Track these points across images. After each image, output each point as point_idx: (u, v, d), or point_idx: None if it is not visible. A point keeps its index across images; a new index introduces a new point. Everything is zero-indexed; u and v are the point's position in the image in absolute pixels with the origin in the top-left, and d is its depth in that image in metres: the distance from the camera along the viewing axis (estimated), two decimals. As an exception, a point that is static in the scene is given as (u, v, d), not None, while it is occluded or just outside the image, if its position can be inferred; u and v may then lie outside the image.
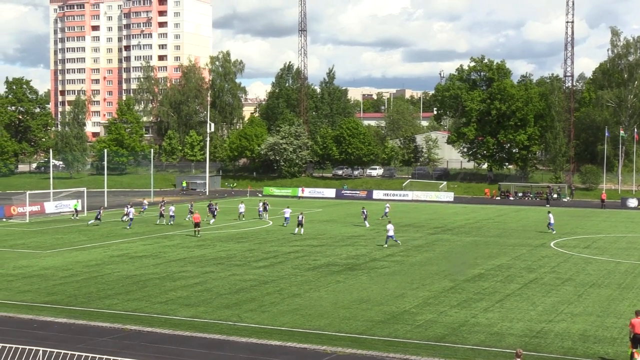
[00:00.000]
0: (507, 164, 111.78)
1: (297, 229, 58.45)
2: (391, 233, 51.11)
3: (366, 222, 64.21)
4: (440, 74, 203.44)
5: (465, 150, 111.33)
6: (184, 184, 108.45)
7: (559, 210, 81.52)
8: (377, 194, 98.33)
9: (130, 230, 59.75)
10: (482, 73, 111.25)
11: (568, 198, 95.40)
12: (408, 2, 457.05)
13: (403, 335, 27.38)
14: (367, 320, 29.43)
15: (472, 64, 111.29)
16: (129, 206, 65.75)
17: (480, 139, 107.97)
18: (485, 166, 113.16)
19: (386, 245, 50.69)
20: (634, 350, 23.83)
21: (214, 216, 66.39)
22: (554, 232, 58.92)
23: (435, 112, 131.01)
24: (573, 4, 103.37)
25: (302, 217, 58.87)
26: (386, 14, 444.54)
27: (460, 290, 35.59)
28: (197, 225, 56.49)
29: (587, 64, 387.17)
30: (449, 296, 34.14)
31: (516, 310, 31.21)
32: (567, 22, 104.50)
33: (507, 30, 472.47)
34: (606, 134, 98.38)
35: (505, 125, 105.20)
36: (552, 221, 59.56)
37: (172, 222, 63.94)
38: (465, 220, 70.26)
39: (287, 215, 63.86)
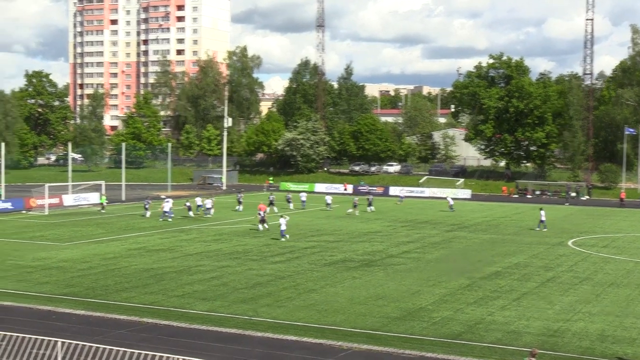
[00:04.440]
0: (524, 161, 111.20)
1: (260, 226, 56.68)
2: (283, 227, 51.32)
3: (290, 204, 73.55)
4: (457, 70, 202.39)
5: (482, 147, 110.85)
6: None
7: (577, 208, 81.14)
8: (394, 190, 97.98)
9: (147, 224, 59.86)
10: (500, 70, 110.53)
11: (586, 197, 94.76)
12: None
13: (419, 332, 27.31)
14: (383, 317, 29.38)
15: (491, 61, 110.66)
16: (201, 200, 66.78)
17: (498, 136, 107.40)
18: (502, 164, 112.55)
19: (284, 239, 50.85)
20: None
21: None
22: (545, 229, 58.44)
23: (452, 109, 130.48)
24: (593, 1, 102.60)
25: (264, 214, 57.68)
26: (407, 10, 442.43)
27: (476, 287, 35.46)
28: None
29: (608, 61, 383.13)
30: (466, 294, 34.03)
31: (533, 309, 31.05)
32: (587, 19, 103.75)
33: (528, 28, 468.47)
34: (629, 131, 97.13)
35: (523, 123, 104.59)
36: (543, 218, 58.98)
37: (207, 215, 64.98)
38: (482, 217, 69.99)
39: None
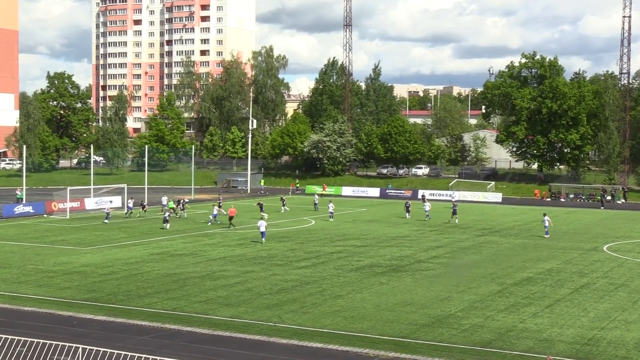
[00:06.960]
0: (558, 164, 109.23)
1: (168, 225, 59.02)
2: (263, 229, 51.18)
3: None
4: (489, 70, 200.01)
5: (514, 149, 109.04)
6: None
7: (613, 212, 79.69)
8: (422, 193, 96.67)
9: (170, 228, 59.11)
10: (533, 70, 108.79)
11: (622, 200, 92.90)
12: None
13: (448, 339, 26.71)
14: (411, 324, 28.78)
15: (524, 60, 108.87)
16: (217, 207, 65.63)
17: (530, 138, 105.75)
18: (535, 166, 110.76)
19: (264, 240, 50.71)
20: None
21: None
22: (548, 235, 56.46)
23: (483, 110, 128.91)
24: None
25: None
26: (438, 9, 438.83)
27: (507, 294, 34.59)
28: (231, 219, 59.51)
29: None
30: (496, 300, 33.18)
31: (566, 316, 30.21)
32: (624, 16, 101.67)
33: (563, 26, 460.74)
34: None
35: (556, 124, 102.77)
36: (547, 224, 56.76)
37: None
38: (513, 221, 68.84)
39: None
